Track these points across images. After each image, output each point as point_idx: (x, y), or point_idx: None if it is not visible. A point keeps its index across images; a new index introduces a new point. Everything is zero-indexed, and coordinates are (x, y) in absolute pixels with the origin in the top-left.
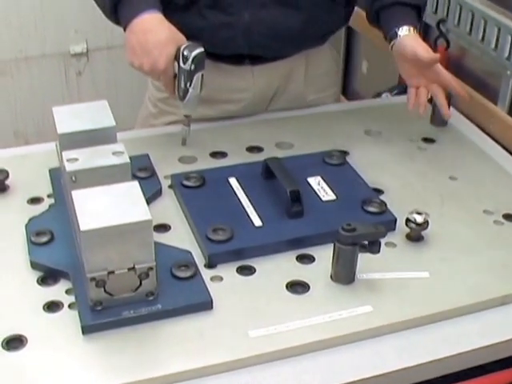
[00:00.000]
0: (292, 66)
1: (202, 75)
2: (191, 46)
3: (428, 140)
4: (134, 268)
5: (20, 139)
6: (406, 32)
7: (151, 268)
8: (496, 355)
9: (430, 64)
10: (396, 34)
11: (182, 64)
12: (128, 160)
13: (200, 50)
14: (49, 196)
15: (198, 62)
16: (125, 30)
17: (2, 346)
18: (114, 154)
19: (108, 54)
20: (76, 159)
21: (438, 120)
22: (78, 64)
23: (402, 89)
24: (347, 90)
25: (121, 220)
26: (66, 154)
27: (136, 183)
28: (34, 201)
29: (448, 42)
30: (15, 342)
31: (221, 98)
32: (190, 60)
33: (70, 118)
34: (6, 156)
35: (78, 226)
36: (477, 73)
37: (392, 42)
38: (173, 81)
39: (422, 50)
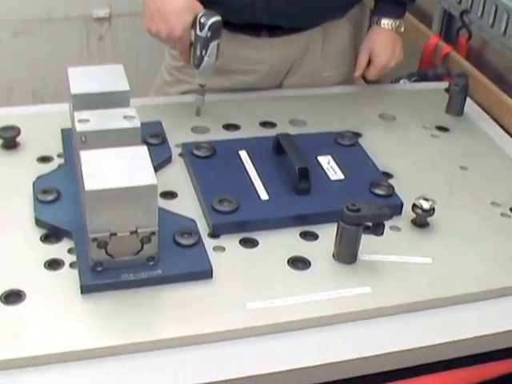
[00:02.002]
0: (309, 39)
1: (218, 44)
2: (208, 13)
3: (442, 128)
4: (136, 232)
5: (37, 100)
6: (384, 25)
7: (153, 233)
8: (491, 346)
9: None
10: (374, 21)
11: (198, 31)
12: (138, 125)
13: (217, 18)
14: (59, 156)
15: (215, 30)
16: None
17: (1, 300)
18: (125, 117)
19: (130, 20)
20: (87, 120)
21: (453, 109)
22: (99, 29)
23: (420, 76)
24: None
25: (126, 183)
26: (78, 115)
27: (144, 148)
28: (44, 159)
29: (470, 34)
30: (14, 297)
31: (237, 69)
32: (207, 27)
33: (84, 79)
34: (20, 114)
35: (83, 186)
36: (496, 66)
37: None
38: (188, 49)
39: (362, 57)
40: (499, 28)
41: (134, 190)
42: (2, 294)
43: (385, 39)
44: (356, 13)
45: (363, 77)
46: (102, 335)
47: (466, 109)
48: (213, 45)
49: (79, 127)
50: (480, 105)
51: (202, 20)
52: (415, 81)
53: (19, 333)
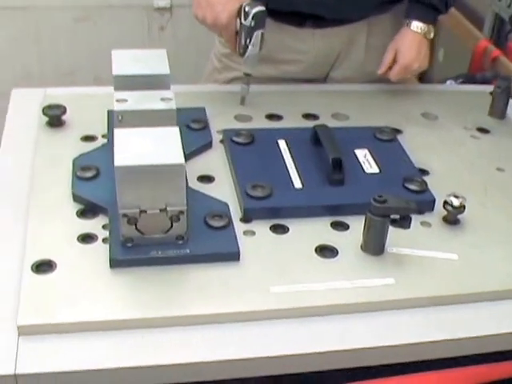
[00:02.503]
0: (353, 32)
1: (262, 34)
2: (253, 3)
3: (483, 130)
4: (165, 210)
5: (99, 84)
6: (413, 28)
7: (182, 212)
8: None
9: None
10: (405, 23)
11: (243, 20)
12: (174, 107)
13: (261, 8)
14: (103, 136)
15: (258, 20)
16: None
17: (32, 269)
18: (162, 99)
19: (191, 11)
20: (125, 100)
21: (495, 112)
22: (161, 19)
23: (467, 78)
24: (422, 77)
25: (154, 160)
26: (117, 95)
27: (176, 129)
28: (88, 139)
29: None
30: (45, 267)
31: (282, 58)
32: (251, 17)
33: (127, 61)
34: (69, 94)
35: (114, 162)
36: None
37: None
38: (234, 37)
39: (387, 55)
40: None
41: (161, 168)
42: (34, 264)
43: (411, 41)
44: (401, 9)
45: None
46: (127, 308)
47: (510, 112)
48: (256, 34)
49: (117, 106)
50: None
51: (247, 9)
52: (462, 83)
53: (46, 301)
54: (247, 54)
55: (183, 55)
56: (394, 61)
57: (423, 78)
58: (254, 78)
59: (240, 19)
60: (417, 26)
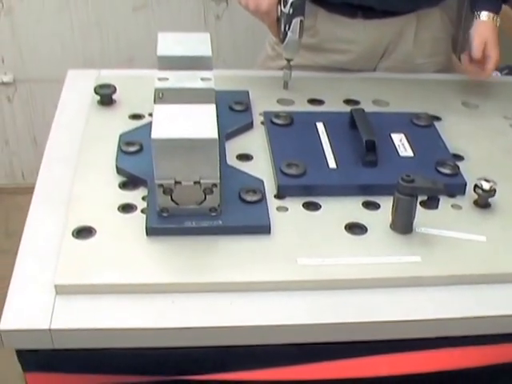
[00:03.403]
0: (403, 24)
1: (302, 21)
2: None
3: None
4: (199, 182)
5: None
6: (484, 18)
7: (215, 185)
8: None
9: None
10: (475, 16)
11: (282, 7)
12: (213, 86)
13: None
14: (150, 115)
15: (296, 7)
16: None
17: (73, 234)
18: (202, 79)
19: None
20: (166, 79)
21: None
22: (217, 8)
23: (511, 70)
24: None
25: (189, 134)
26: (159, 74)
27: (213, 106)
28: (135, 117)
29: None
30: (85, 232)
31: (332, 48)
32: (289, 4)
33: (172, 43)
34: (120, 75)
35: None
36: None
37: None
38: (276, 24)
39: (476, 45)
40: None
41: (195, 142)
42: (75, 230)
43: (493, 32)
44: (452, 5)
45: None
46: (159, 273)
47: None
48: (295, 21)
49: (157, 84)
50: None
51: None
52: (507, 74)
53: (84, 263)
54: (287, 40)
55: (239, 44)
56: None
57: None
58: (303, 66)
59: (280, 6)
60: (487, 15)
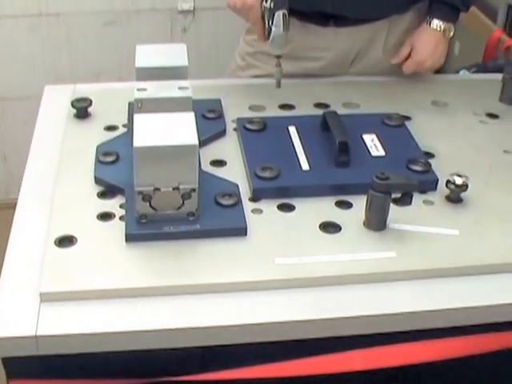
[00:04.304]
0: (374, 31)
1: (284, 14)
2: None
3: (492, 115)
4: (178, 188)
5: None
6: (433, 26)
7: (194, 190)
8: (506, 316)
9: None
10: (426, 21)
11: (264, 3)
12: (190, 94)
13: None
14: (124, 126)
15: (277, 1)
16: None
17: (55, 243)
18: (179, 88)
19: (213, 14)
20: (145, 89)
21: (505, 98)
22: (184, 21)
23: (480, 67)
24: (439, 71)
25: (170, 142)
26: (138, 84)
27: (192, 114)
28: (110, 128)
29: None
30: (66, 241)
31: (303, 56)
32: None
33: (149, 55)
34: (97, 88)
35: (133, 144)
36: None
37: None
38: (261, 20)
39: (403, 48)
40: None
41: (176, 149)
42: (57, 239)
43: (428, 38)
44: (422, 7)
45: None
46: (140, 277)
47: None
48: (277, 15)
49: (137, 94)
50: None
51: None
52: (475, 72)
53: (67, 271)
54: (272, 35)
55: (205, 56)
56: (409, 55)
57: (439, 71)
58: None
59: (263, 2)
60: (437, 24)
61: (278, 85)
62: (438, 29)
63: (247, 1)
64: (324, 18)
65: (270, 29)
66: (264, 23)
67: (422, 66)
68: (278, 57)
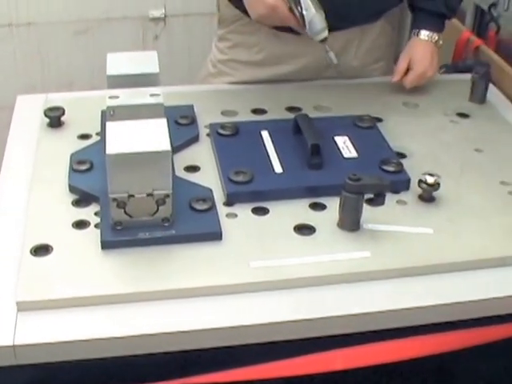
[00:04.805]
0: (346, 38)
1: None
2: None
3: (462, 115)
4: (152, 194)
5: None
6: (422, 36)
7: (168, 195)
8: (482, 312)
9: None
10: (413, 34)
11: None
12: (162, 101)
13: None
14: (97, 134)
15: None
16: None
17: (31, 252)
18: (151, 95)
19: (184, 20)
20: (117, 97)
21: (475, 97)
22: (155, 28)
23: (449, 68)
24: None
25: (143, 148)
26: (110, 92)
27: (164, 120)
28: (84, 137)
29: (498, 27)
30: (42, 250)
31: (275, 62)
32: None
33: (120, 62)
34: (69, 97)
35: (105, 151)
36: None
37: (410, 36)
38: (291, 14)
39: (401, 64)
40: None
41: (148, 155)
42: (32, 248)
43: (424, 49)
44: (394, 12)
45: None
46: (116, 284)
47: (490, 97)
48: None
49: (109, 102)
50: (508, 95)
51: None
52: (444, 72)
53: (43, 280)
54: (306, 21)
55: (176, 62)
56: (408, 69)
57: None
58: (246, 81)
59: None
60: (425, 34)
61: (337, 67)
62: (429, 39)
63: (269, 2)
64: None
65: (302, 15)
66: (295, 15)
67: (424, 77)
68: (323, 41)
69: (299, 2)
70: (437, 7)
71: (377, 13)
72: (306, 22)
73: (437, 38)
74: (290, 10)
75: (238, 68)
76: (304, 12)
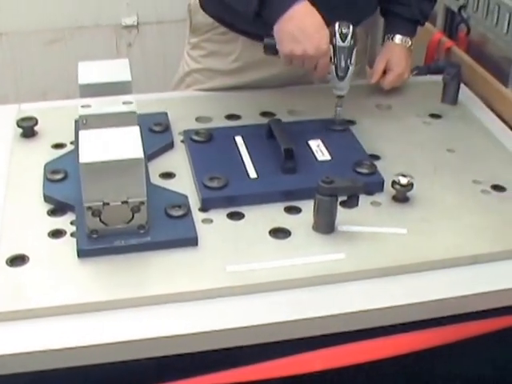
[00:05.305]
0: None
1: (357, 51)
2: (344, 23)
3: (435, 116)
4: (127, 201)
5: None
6: (396, 41)
7: (142, 203)
8: (457, 309)
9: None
10: (388, 38)
11: (340, 43)
12: (134, 109)
13: (353, 26)
14: (71, 143)
15: (356, 38)
16: (273, 24)
17: (6, 263)
18: (124, 103)
19: (157, 28)
20: (89, 106)
21: (447, 98)
22: (128, 36)
23: (421, 69)
24: None
25: (115, 156)
26: (82, 101)
27: (136, 128)
28: (58, 146)
29: (468, 28)
30: (18, 261)
31: (251, 71)
32: (349, 36)
33: (92, 71)
34: (42, 107)
35: (79, 160)
36: (493, 57)
37: (384, 42)
38: (330, 63)
39: (379, 65)
40: (492, 20)
41: (122, 163)
42: (8, 258)
43: (400, 52)
44: (369, 19)
45: None
46: (93, 292)
47: (462, 98)
48: (355, 51)
49: (81, 111)
50: (480, 95)
51: (344, 30)
52: (417, 74)
53: (19, 290)
54: (349, 73)
55: (150, 69)
56: (385, 71)
57: None
58: (222, 88)
59: (335, 42)
60: (400, 38)
61: (338, 124)
62: (403, 43)
63: (322, 46)
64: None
65: (348, 67)
66: (334, 64)
67: (401, 78)
68: (340, 97)
69: (351, 56)
70: (411, 13)
71: (357, 21)
72: (348, 74)
73: (410, 42)
74: (330, 58)
75: (213, 76)
76: (351, 66)
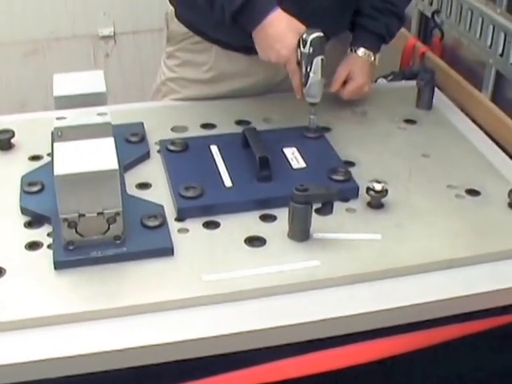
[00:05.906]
0: None
1: (323, 60)
2: (310, 30)
3: (409, 121)
4: (102, 213)
5: None
6: (359, 53)
7: (118, 213)
8: (430, 314)
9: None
10: (352, 50)
11: (302, 49)
12: (109, 120)
13: (319, 34)
14: (48, 155)
15: (316, 46)
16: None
17: None
18: (98, 114)
19: (134, 38)
20: (64, 118)
21: (421, 103)
22: (105, 46)
23: (396, 75)
24: None
25: (90, 168)
26: (57, 113)
27: (111, 139)
28: (35, 158)
29: (442, 33)
30: None
31: (226, 80)
32: (308, 43)
33: (67, 83)
34: (19, 119)
35: (54, 172)
36: (467, 62)
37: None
38: (298, 69)
39: (341, 74)
40: (465, 25)
41: (96, 174)
42: None
43: (362, 65)
44: (346, 32)
45: None
46: (70, 304)
47: (436, 103)
48: (316, 60)
49: (56, 123)
50: (454, 100)
51: (304, 36)
52: (392, 80)
53: None
54: (309, 81)
55: (128, 79)
56: (346, 81)
57: None
58: (197, 98)
59: (300, 48)
60: (363, 51)
61: (313, 132)
62: (366, 57)
63: (282, 55)
64: (248, 47)
65: (308, 74)
66: (300, 71)
67: (362, 90)
68: (313, 105)
69: (311, 64)
70: (377, 28)
71: (330, 35)
72: (309, 83)
73: (373, 58)
74: (298, 64)
75: (187, 86)
76: (311, 74)
